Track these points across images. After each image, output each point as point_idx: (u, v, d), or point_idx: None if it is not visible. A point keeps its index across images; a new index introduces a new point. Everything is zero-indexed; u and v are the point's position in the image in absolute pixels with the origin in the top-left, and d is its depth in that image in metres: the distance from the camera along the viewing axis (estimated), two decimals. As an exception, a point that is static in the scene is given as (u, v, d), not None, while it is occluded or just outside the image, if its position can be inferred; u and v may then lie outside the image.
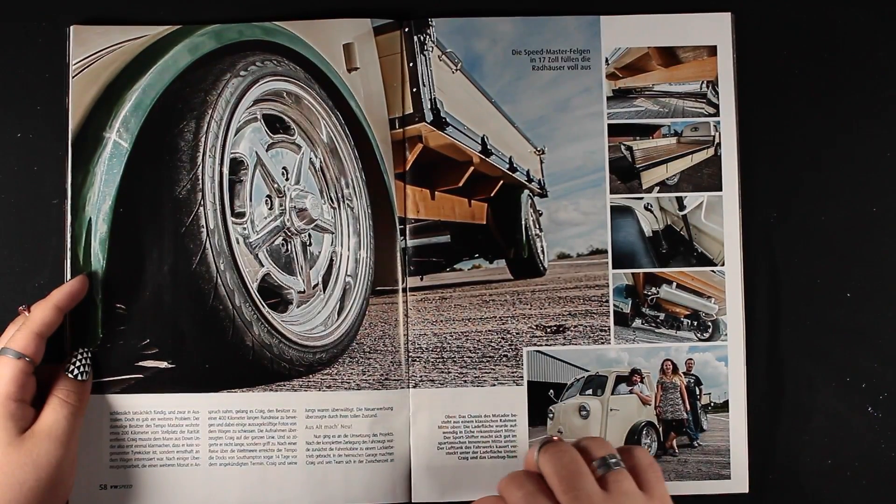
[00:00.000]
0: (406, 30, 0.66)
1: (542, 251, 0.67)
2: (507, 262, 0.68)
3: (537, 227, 0.67)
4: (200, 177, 0.62)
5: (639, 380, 0.66)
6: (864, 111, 0.67)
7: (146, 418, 0.63)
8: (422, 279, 0.66)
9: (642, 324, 0.66)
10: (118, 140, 0.63)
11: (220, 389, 0.63)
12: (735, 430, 0.66)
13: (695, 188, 0.67)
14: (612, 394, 0.66)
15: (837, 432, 0.66)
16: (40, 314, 0.58)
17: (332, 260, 0.68)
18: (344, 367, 0.65)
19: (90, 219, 0.62)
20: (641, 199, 0.67)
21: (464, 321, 0.66)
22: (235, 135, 0.65)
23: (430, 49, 0.66)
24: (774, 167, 0.67)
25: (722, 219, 0.66)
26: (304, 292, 0.67)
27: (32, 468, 0.55)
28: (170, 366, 0.63)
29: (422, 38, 0.66)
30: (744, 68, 0.67)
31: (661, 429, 0.66)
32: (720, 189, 0.66)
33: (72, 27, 0.63)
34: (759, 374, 0.66)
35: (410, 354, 0.65)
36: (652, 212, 0.67)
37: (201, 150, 0.63)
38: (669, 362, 0.66)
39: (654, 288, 0.66)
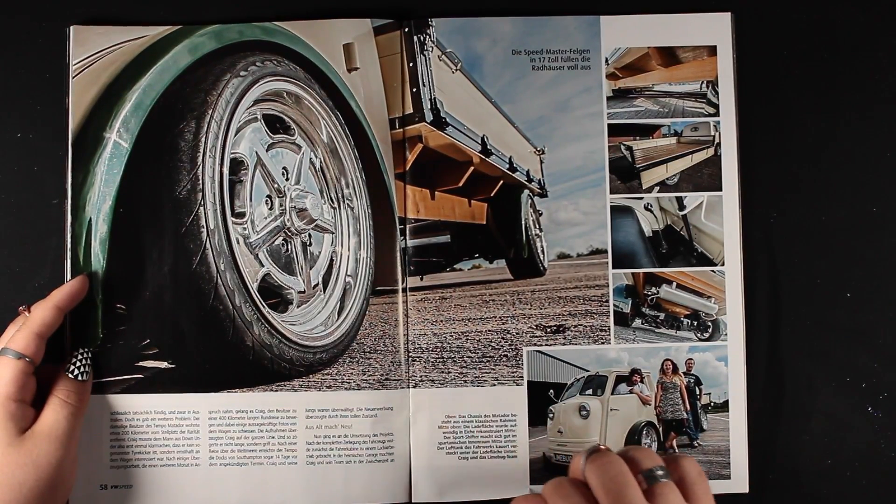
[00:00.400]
0: (406, 30, 0.66)
1: (542, 251, 0.67)
2: (507, 262, 0.68)
3: (537, 227, 0.67)
4: (200, 177, 0.62)
5: (639, 380, 0.66)
6: (864, 111, 0.67)
7: (146, 418, 0.63)
8: (422, 279, 0.66)
9: (642, 324, 0.66)
10: (118, 140, 0.63)
11: (221, 389, 0.63)
12: (735, 430, 0.66)
13: (695, 188, 0.67)
14: (612, 394, 0.66)
15: (837, 432, 0.66)
16: (40, 314, 0.58)
17: (332, 260, 0.68)
18: (344, 367, 0.65)
19: (90, 219, 0.62)
20: (641, 199, 0.67)
21: (464, 321, 0.66)
22: (235, 135, 0.65)
23: (430, 49, 0.66)
24: (774, 167, 0.67)
25: (722, 219, 0.66)
26: (304, 292, 0.67)
27: (33, 468, 0.55)
28: (170, 366, 0.63)
29: (422, 38, 0.66)
30: (744, 68, 0.66)
31: (661, 429, 0.66)
32: (720, 189, 0.66)
33: (72, 27, 0.63)
34: (759, 374, 0.66)
35: (410, 354, 0.65)
36: (652, 212, 0.67)
37: (201, 151, 0.63)
38: (670, 362, 0.66)
39: (654, 288, 0.66)
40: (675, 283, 0.66)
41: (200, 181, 0.62)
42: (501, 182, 0.69)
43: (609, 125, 0.66)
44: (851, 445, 0.66)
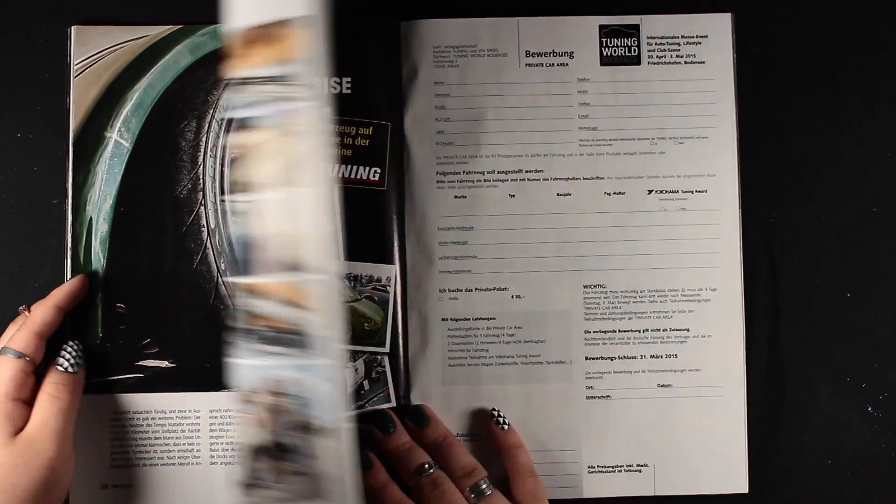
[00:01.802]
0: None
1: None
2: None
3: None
4: (201, 176, 0.62)
5: None
6: (864, 111, 0.67)
7: (147, 417, 0.63)
8: (422, 279, 0.66)
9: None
10: (119, 140, 0.63)
11: (221, 388, 0.63)
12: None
13: None
14: None
15: (837, 432, 0.66)
16: (40, 314, 0.58)
17: (332, 260, 0.67)
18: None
19: (91, 218, 0.62)
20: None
21: (464, 321, 0.66)
22: (236, 135, 0.65)
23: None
24: (774, 167, 0.67)
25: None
26: (304, 292, 0.67)
27: (24, 470, 0.54)
28: (170, 365, 0.63)
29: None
30: (744, 68, 0.67)
31: None
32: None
33: (73, 27, 0.63)
34: (759, 374, 0.66)
35: (411, 354, 0.65)
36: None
37: (202, 150, 0.63)
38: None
39: None
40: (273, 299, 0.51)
41: (201, 181, 0.62)
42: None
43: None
44: (851, 445, 0.66)
